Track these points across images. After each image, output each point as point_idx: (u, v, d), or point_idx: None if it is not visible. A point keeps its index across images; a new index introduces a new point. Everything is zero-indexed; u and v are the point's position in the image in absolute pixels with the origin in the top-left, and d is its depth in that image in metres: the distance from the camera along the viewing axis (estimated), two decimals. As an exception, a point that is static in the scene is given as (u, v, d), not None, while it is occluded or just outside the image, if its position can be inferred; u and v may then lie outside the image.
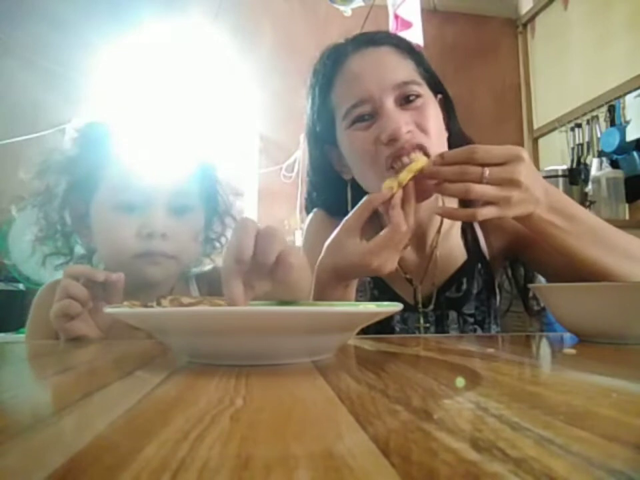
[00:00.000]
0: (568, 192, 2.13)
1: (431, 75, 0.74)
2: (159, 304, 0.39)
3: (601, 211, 2.17)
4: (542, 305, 0.76)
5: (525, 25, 2.99)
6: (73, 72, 2.44)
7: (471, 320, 0.74)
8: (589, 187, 2.24)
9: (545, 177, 2.26)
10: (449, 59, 2.90)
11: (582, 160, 2.44)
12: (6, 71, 2.38)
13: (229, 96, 2.65)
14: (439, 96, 0.75)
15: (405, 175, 0.58)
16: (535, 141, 2.90)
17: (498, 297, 0.77)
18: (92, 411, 0.24)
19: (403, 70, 0.69)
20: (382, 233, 0.57)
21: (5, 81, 2.38)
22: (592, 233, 0.59)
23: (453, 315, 0.74)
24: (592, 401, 0.24)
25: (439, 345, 0.51)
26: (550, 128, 2.73)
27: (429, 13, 2.64)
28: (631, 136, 2.18)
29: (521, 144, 2.94)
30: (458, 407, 0.23)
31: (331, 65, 0.72)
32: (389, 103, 0.66)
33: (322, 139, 0.76)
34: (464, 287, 0.75)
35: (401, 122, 0.65)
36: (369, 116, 0.68)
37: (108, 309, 0.38)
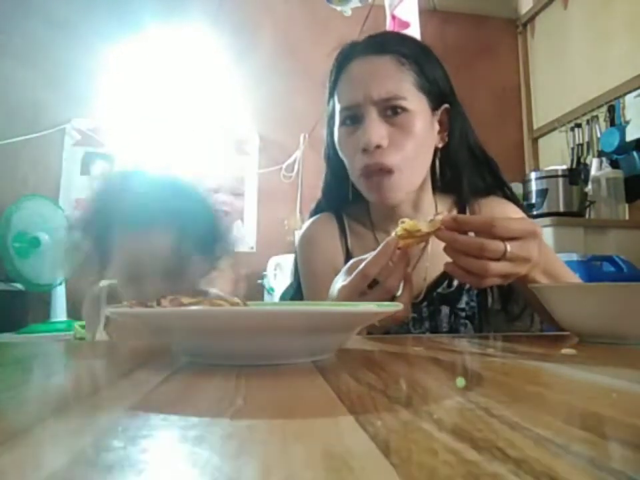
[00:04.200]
0: (568, 192, 2.13)
1: (435, 84, 0.74)
2: (158, 304, 0.39)
3: (601, 211, 2.17)
4: (520, 308, 0.77)
5: (525, 25, 2.99)
6: (72, 72, 2.44)
7: (462, 314, 0.75)
8: (589, 187, 2.24)
9: (545, 177, 2.26)
10: (448, 59, 2.87)
11: (582, 160, 2.44)
12: (6, 71, 2.38)
13: (229, 96, 2.65)
14: (444, 106, 0.75)
15: (426, 227, 0.54)
16: (534, 140, 2.90)
17: (490, 295, 0.77)
18: (92, 411, 0.24)
19: (394, 84, 0.70)
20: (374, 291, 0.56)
21: (5, 81, 2.38)
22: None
23: (445, 310, 0.74)
24: (592, 400, 0.24)
25: (439, 344, 0.51)
26: (550, 128, 2.73)
27: (429, 13, 2.64)
28: (630, 136, 2.18)
29: (521, 144, 2.95)
30: (458, 407, 0.23)
31: (338, 65, 0.76)
32: (372, 113, 0.69)
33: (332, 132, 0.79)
34: (455, 282, 0.75)
35: (375, 135, 0.68)
36: (355, 121, 0.71)
37: (109, 309, 0.38)
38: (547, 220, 2.02)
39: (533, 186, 2.19)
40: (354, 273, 0.54)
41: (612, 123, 2.28)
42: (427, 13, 2.41)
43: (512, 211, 0.78)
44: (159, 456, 0.17)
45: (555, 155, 2.67)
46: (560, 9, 2.68)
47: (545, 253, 0.57)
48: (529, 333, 0.81)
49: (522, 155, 2.94)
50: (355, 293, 0.54)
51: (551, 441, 0.18)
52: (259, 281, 2.38)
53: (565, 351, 0.41)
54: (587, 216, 2.20)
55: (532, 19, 2.93)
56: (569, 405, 0.24)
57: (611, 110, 2.29)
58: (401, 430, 0.19)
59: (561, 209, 2.11)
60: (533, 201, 2.17)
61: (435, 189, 0.79)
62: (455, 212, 0.79)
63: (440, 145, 0.76)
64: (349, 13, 2.25)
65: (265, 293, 2.32)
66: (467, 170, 0.78)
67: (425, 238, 0.54)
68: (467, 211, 0.78)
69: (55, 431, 0.20)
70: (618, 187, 2.17)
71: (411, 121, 0.70)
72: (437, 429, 0.19)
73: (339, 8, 2.21)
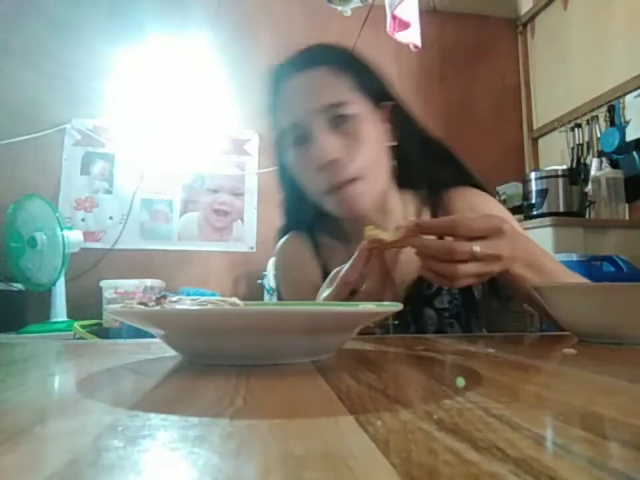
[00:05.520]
0: (568, 192, 2.13)
1: (372, 84, 0.73)
2: (158, 304, 0.39)
3: (601, 210, 2.17)
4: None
5: (524, 25, 2.99)
6: (72, 72, 2.44)
7: (446, 314, 0.74)
8: (589, 187, 2.24)
9: (545, 177, 2.26)
10: (448, 59, 2.90)
11: (582, 160, 2.44)
12: (6, 70, 2.38)
13: (229, 96, 2.65)
14: (387, 104, 0.74)
15: (391, 236, 0.54)
16: (534, 140, 2.90)
17: (477, 291, 0.76)
18: (92, 411, 0.24)
19: (334, 91, 0.69)
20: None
21: (5, 81, 2.38)
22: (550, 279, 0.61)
23: (428, 312, 0.73)
24: (592, 400, 0.24)
25: (439, 344, 0.51)
26: (550, 128, 2.73)
27: (429, 13, 2.64)
28: (630, 136, 2.18)
29: (521, 144, 2.95)
30: (458, 406, 0.23)
31: (272, 88, 0.75)
32: (318, 127, 0.68)
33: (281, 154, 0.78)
34: (433, 286, 0.74)
35: (328, 149, 0.66)
36: (303, 140, 0.70)
37: (110, 308, 0.38)
38: (547, 220, 2.02)
39: (533, 186, 2.19)
40: (335, 283, 0.55)
41: (612, 123, 2.28)
42: (426, 13, 2.41)
43: (483, 201, 0.76)
44: (158, 456, 0.17)
45: (555, 155, 2.67)
46: (560, 9, 2.68)
47: (525, 246, 0.57)
48: (529, 333, 0.81)
49: (522, 155, 2.94)
50: (338, 301, 0.55)
51: (551, 440, 0.18)
52: (259, 281, 2.38)
53: (565, 351, 0.41)
54: (587, 216, 2.20)
55: (532, 19, 2.92)
56: (569, 405, 0.24)
57: (611, 110, 2.29)
58: (401, 430, 0.19)
59: (561, 209, 2.11)
60: (533, 201, 2.17)
61: (401, 189, 0.78)
62: (426, 211, 0.77)
63: (393, 144, 0.74)
64: (348, 13, 2.25)
65: (265, 292, 2.33)
66: (425, 164, 0.77)
67: (395, 245, 0.53)
68: (438, 205, 0.77)
69: (55, 430, 0.20)
70: (618, 186, 2.17)
71: (358, 126, 0.69)
72: (437, 429, 0.19)
73: (339, 8, 2.21)
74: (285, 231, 0.87)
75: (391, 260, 0.56)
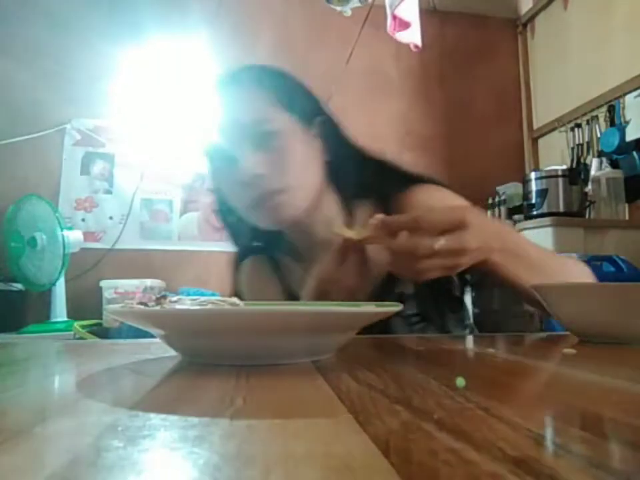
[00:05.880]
0: (568, 192, 2.13)
1: (299, 101, 0.74)
2: (158, 304, 0.39)
3: (601, 210, 2.17)
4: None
5: (524, 25, 2.99)
6: (73, 72, 2.44)
7: (415, 319, 0.72)
8: (589, 187, 2.24)
9: (545, 177, 2.26)
10: (448, 59, 2.90)
11: (582, 160, 2.44)
12: (6, 70, 2.38)
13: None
14: (318, 119, 0.74)
15: (357, 234, 0.54)
16: (534, 140, 2.90)
17: (459, 288, 0.75)
18: (92, 411, 0.24)
19: (258, 109, 0.70)
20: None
21: (5, 81, 2.38)
22: (537, 267, 0.60)
23: (396, 320, 0.71)
24: (592, 400, 0.24)
25: (439, 344, 0.51)
26: (550, 128, 2.73)
27: (429, 13, 2.64)
28: (630, 136, 2.18)
29: (521, 144, 2.95)
30: (458, 406, 0.23)
31: (208, 96, 0.77)
32: (243, 145, 0.69)
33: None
34: (397, 289, 0.72)
35: (252, 165, 0.67)
36: (228, 157, 0.70)
37: (110, 308, 0.38)
38: (547, 220, 2.02)
39: (533, 186, 2.19)
40: (311, 279, 0.56)
41: (612, 123, 2.28)
42: (426, 13, 2.41)
43: (441, 196, 0.74)
44: (159, 456, 0.17)
45: (555, 155, 2.67)
46: (560, 9, 2.68)
47: (500, 234, 0.56)
48: (529, 333, 0.81)
49: (522, 155, 2.94)
50: (315, 296, 0.56)
51: (551, 440, 0.18)
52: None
53: (564, 351, 0.41)
54: (587, 216, 2.20)
55: (532, 19, 2.92)
56: (569, 405, 0.24)
57: (611, 110, 2.29)
58: (401, 430, 0.19)
59: (561, 209, 2.11)
60: (533, 201, 2.18)
61: (346, 201, 0.78)
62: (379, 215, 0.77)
63: (326, 159, 0.74)
64: (348, 13, 2.25)
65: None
66: (365, 175, 0.76)
67: (362, 242, 0.54)
68: (394, 207, 0.74)
69: (55, 430, 0.20)
70: (618, 186, 2.17)
71: (283, 142, 0.70)
72: (437, 429, 0.19)
73: (338, 8, 2.21)
74: (239, 257, 0.87)
75: (363, 258, 0.56)
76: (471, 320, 0.83)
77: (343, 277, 0.55)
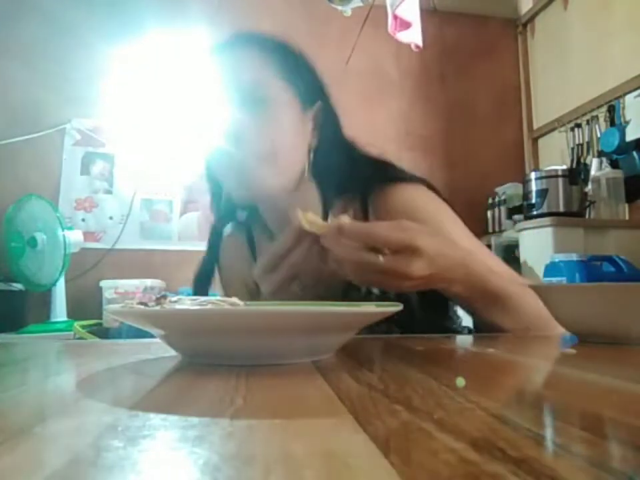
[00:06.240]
0: (568, 192, 2.13)
1: (303, 79, 0.72)
2: (158, 304, 0.39)
3: (601, 210, 2.17)
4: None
5: (525, 25, 2.99)
6: (72, 72, 2.44)
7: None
8: (589, 187, 2.24)
9: (545, 177, 2.26)
10: (449, 59, 2.90)
11: (582, 160, 2.44)
12: (6, 71, 2.38)
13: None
14: (318, 103, 0.73)
15: (314, 228, 0.52)
16: (534, 140, 2.90)
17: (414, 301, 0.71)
18: (92, 411, 0.24)
19: (255, 72, 0.69)
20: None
21: (5, 81, 2.38)
22: (499, 302, 0.58)
23: None
24: (592, 400, 0.24)
25: (440, 344, 0.51)
26: (550, 128, 2.73)
27: (429, 13, 2.64)
28: (630, 136, 2.18)
29: (521, 144, 2.95)
30: (458, 406, 0.23)
31: (205, 62, 0.75)
32: (234, 104, 0.67)
33: None
34: (363, 289, 0.70)
35: (236, 124, 0.66)
36: (218, 115, 0.69)
37: (110, 308, 0.38)
38: (547, 220, 2.02)
39: (533, 186, 2.19)
40: (265, 255, 0.54)
41: (612, 123, 2.28)
42: (427, 13, 2.41)
43: (417, 195, 0.71)
44: (159, 456, 0.17)
45: (555, 155, 2.67)
46: (560, 8, 2.68)
47: (461, 266, 0.54)
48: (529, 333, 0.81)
49: (522, 155, 2.95)
50: (265, 270, 0.53)
51: (551, 440, 0.18)
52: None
53: (565, 351, 0.41)
54: (587, 216, 2.20)
55: (532, 19, 2.92)
56: (569, 405, 0.24)
57: (611, 110, 2.29)
58: (401, 430, 0.19)
59: (561, 209, 2.11)
60: (533, 201, 2.18)
61: (328, 192, 0.75)
62: (353, 212, 0.73)
63: (314, 144, 0.72)
64: (348, 13, 2.25)
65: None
66: (350, 167, 0.74)
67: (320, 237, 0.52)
68: (369, 204, 0.73)
69: (55, 430, 0.20)
70: (618, 187, 2.17)
71: (275, 111, 0.68)
72: (437, 429, 0.19)
73: (340, 8, 2.21)
74: (217, 227, 0.84)
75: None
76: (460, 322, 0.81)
77: (301, 258, 0.52)
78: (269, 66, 0.69)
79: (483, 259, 0.60)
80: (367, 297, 0.70)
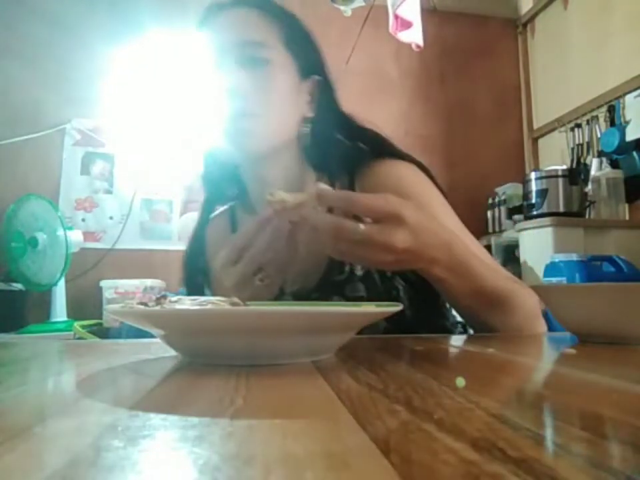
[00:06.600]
0: (568, 192, 2.13)
1: (303, 48, 0.72)
2: (158, 304, 0.39)
3: (601, 211, 2.17)
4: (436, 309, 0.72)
5: (525, 25, 2.99)
6: (72, 72, 2.44)
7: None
8: (589, 187, 2.24)
9: (545, 177, 2.27)
10: (449, 59, 2.90)
11: (582, 160, 2.44)
12: (6, 70, 2.38)
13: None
14: (315, 77, 0.72)
15: (293, 198, 0.49)
16: (534, 140, 2.90)
17: (400, 286, 0.69)
18: (92, 411, 0.24)
19: (256, 31, 0.68)
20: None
21: (5, 81, 2.38)
22: (481, 290, 0.56)
23: (339, 300, 0.67)
24: (592, 400, 0.24)
25: (440, 344, 0.51)
26: (550, 128, 2.73)
27: (429, 13, 2.64)
28: (630, 136, 2.18)
29: (521, 144, 2.95)
30: (458, 406, 0.23)
31: (200, 25, 0.75)
32: (230, 61, 0.66)
33: None
34: (346, 268, 0.68)
35: (235, 78, 0.65)
36: (215, 72, 0.68)
37: (110, 308, 0.38)
38: (547, 220, 2.02)
39: (533, 186, 2.19)
40: (226, 247, 0.52)
41: (612, 123, 2.28)
42: (427, 13, 2.41)
43: (406, 173, 0.69)
44: (159, 456, 0.17)
45: (555, 155, 2.67)
46: (560, 9, 2.68)
47: (445, 245, 0.51)
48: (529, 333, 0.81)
49: (522, 154, 2.95)
50: (226, 263, 0.51)
51: (551, 440, 0.18)
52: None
53: (565, 351, 0.41)
54: (587, 216, 2.20)
55: (532, 19, 2.92)
56: (569, 405, 0.24)
57: (611, 110, 2.29)
58: (401, 430, 0.19)
59: (561, 209, 2.11)
60: (533, 201, 2.18)
61: (314, 166, 0.74)
62: (340, 187, 0.71)
63: (308, 115, 0.72)
64: (349, 13, 2.26)
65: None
66: (338, 143, 0.73)
67: (294, 209, 0.48)
68: (356, 180, 0.71)
69: (55, 430, 0.20)
70: (618, 187, 2.17)
71: (274, 73, 0.67)
72: (437, 429, 0.19)
73: (342, 7, 2.22)
74: (207, 206, 0.83)
75: (295, 236, 0.51)
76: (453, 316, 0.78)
77: (264, 249, 0.49)
78: (272, 29, 0.69)
79: (469, 245, 0.57)
80: (349, 279, 0.68)
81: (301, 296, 0.67)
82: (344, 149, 0.73)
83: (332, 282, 0.68)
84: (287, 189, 0.55)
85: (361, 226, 0.45)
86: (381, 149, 0.73)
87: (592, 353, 0.43)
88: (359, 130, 0.75)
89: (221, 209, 0.85)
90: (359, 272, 0.68)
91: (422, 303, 0.70)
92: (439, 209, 0.66)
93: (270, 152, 0.69)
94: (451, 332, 0.76)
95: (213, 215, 0.83)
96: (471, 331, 0.70)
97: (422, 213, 0.49)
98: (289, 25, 0.71)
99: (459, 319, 0.72)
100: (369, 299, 0.66)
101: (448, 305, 0.76)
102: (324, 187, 0.47)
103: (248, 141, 0.67)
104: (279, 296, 0.59)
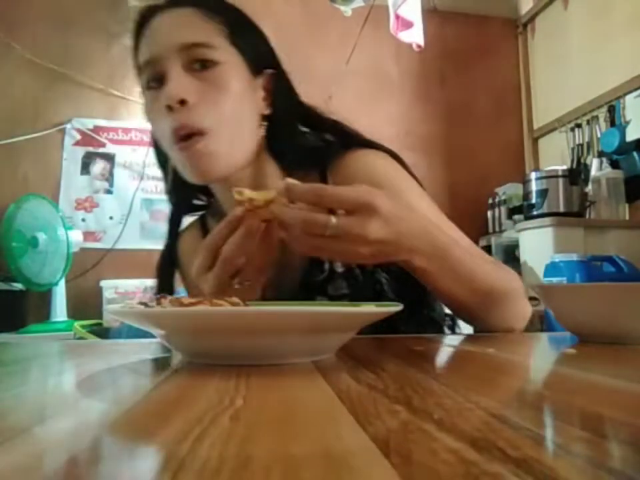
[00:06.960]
0: (568, 192, 2.13)
1: (251, 44, 0.67)
2: (159, 304, 0.39)
3: (601, 211, 2.17)
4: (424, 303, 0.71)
5: (525, 25, 2.99)
6: (72, 72, 2.44)
7: (346, 300, 0.65)
8: (589, 187, 2.24)
9: (545, 177, 2.27)
10: (449, 58, 2.90)
11: (582, 160, 2.44)
12: (6, 70, 2.38)
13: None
14: (268, 71, 0.68)
15: (261, 195, 0.47)
16: (534, 141, 2.90)
17: (384, 281, 0.67)
18: (91, 411, 0.24)
19: (199, 32, 0.62)
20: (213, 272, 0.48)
21: (5, 81, 2.38)
22: (466, 277, 0.54)
23: (322, 300, 0.65)
24: (592, 400, 0.24)
25: (440, 344, 0.51)
26: (550, 128, 2.73)
27: (429, 13, 2.64)
28: (630, 136, 2.18)
29: (521, 144, 2.95)
30: (458, 406, 0.23)
31: (137, 27, 0.67)
32: (175, 66, 0.60)
33: None
34: (326, 266, 0.66)
35: (178, 87, 0.58)
36: (159, 81, 0.61)
37: (110, 308, 0.38)
38: (547, 220, 2.02)
39: (533, 186, 2.19)
40: (199, 252, 0.49)
41: (612, 123, 2.28)
42: (427, 13, 2.41)
43: (378, 163, 0.67)
44: (158, 456, 0.17)
45: (555, 155, 2.67)
46: (560, 9, 2.68)
47: (423, 233, 0.49)
48: (529, 333, 0.81)
49: (522, 154, 2.94)
50: (202, 271, 0.49)
51: (551, 440, 0.18)
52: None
53: (565, 350, 0.41)
54: (587, 216, 2.20)
55: (532, 19, 2.92)
56: (569, 405, 0.24)
57: (611, 110, 2.29)
58: (401, 430, 0.19)
59: (561, 209, 2.11)
60: (533, 201, 2.18)
61: (285, 165, 0.70)
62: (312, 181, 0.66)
63: (266, 112, 0.67)
64: (349, 13, 2.26)
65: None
66: (303, 137, 0.70)
67: (264, 206, 0.46)
68: (328, 173, 0.68)
69: (55, 430, 0.20)
70: (618, 187, 2.17)
71: (223, 75, 0.61)
72: (437, 429, 0.19)
73: (342, 7, 2.22)
74: (174, 219, 0.78)
75: (273, 238, 0.49)
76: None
77: (235, 251, 0.47)
78: (215, 28, 0.64)
79: (449, 232, 0.55)
80: (330, 277, 0.65)
81: (283, 298, 0.63)
82: (310, 142, 0.70)
83: (313, 282, 0.66)
84: (255, 188, 0.52)
85: (333, 218, 0.43)
86: (349, 139, 0.70)
87: (592, 353, 0.43)
88: (323, 121, 0.72)
89: (190, 219, 0.81)
90: (339, 269, 0.66)
91: (407, 295, 0.66)
92: (414, 197, 0.64)
93: (234, 171, 0.63)
94: (439, 324, 0.74)
95: (181, 228, 0.79)
96: (460, 322, 0.68)
97: (396, 201, 0.47)
98: (232, 19, 0.66)
99: (447, 310, 0.70)
100: (353, 295, 0.64)
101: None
102: (292, 181, 0.46)
103: (206, 166, 0.60)
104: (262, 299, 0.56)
